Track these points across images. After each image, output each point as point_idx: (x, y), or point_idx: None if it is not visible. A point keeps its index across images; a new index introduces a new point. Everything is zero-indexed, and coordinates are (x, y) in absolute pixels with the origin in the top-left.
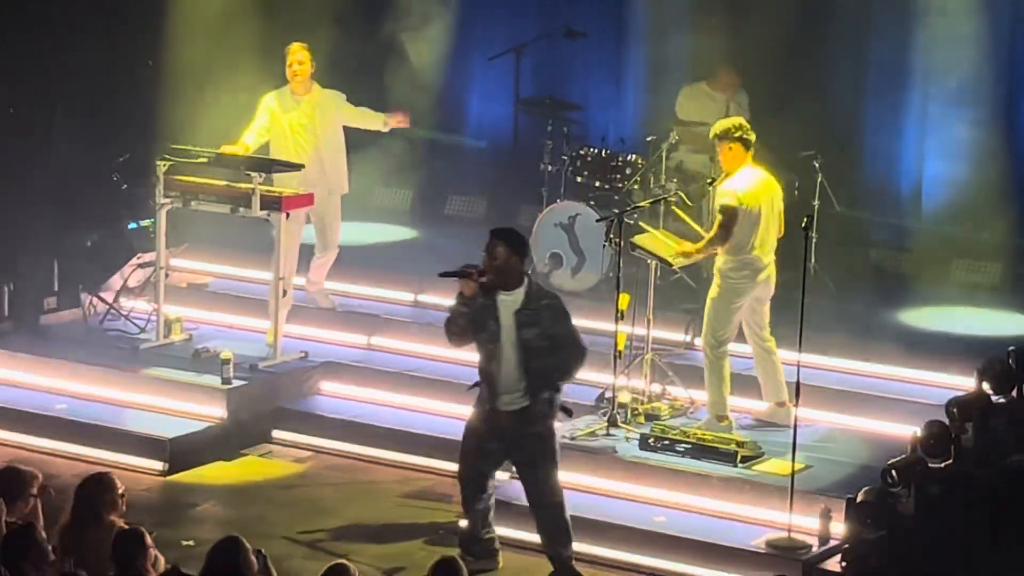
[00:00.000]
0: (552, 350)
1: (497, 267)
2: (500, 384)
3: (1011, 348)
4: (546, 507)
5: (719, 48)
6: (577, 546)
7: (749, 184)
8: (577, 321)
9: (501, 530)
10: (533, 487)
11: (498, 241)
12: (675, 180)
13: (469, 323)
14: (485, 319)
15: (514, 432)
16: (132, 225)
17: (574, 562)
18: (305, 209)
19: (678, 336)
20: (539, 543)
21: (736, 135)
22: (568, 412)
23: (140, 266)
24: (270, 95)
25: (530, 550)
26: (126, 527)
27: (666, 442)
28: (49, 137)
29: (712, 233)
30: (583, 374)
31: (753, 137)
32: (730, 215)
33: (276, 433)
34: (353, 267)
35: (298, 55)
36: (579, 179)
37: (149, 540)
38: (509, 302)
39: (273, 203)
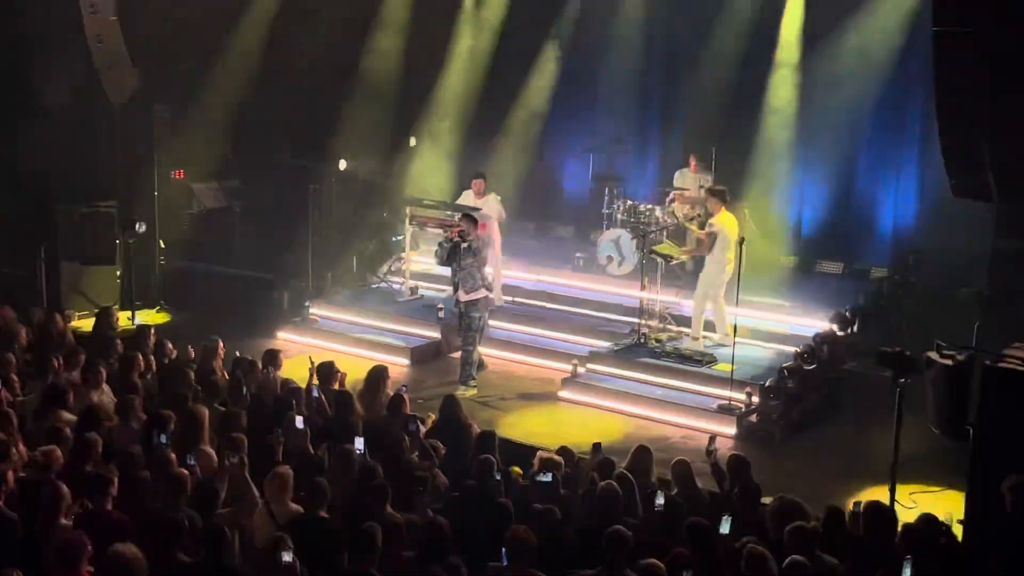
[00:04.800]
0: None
1: (461, 230)
2: (457, 287)
3: (847, 307)
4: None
5: (698, 148)
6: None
7: (727, 220)
8: (617, 288)
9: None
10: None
11: (464, 218)
12: (668, 216)
13: (448, 253)
14: (455, 253)
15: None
16: (395, 238)
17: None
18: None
19: (672, 299)
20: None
21: (720, 193)
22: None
23: (397, 260)
24: (466, 192)
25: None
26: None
27: (667, 353)
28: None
29: (703, 244)
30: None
31: (728, 199)
32: (713, 236)
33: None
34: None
35: (475, 184)
36: (622, 216)
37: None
38: (464, 247)
39: (472, 216)
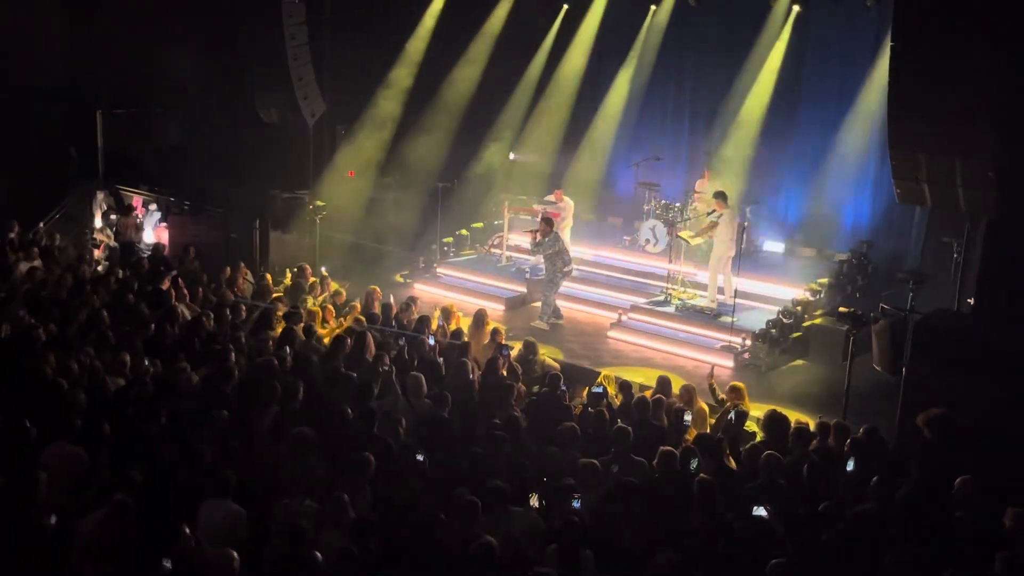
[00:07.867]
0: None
1: (543, 229)
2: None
3: (816, 280)
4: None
5: (711, 165)
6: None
7: (726, 214)
8: (652, 261)
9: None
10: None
11: (543, 221)
12: (691, 212)
13: (536, 247)
14: (540, 246)
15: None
16: (496, 221)
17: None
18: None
19: (691, 269)
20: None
21: (722, 195)
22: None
23: (498, 236)
24: (548, 196)
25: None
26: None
27: (688, 307)
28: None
29: (707, 232)
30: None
31: (727, 198)
32: (715, 225)
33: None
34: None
35: (556, 193)
36: (657, 211)
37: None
38: (544, 241)
39: (549, 219)
